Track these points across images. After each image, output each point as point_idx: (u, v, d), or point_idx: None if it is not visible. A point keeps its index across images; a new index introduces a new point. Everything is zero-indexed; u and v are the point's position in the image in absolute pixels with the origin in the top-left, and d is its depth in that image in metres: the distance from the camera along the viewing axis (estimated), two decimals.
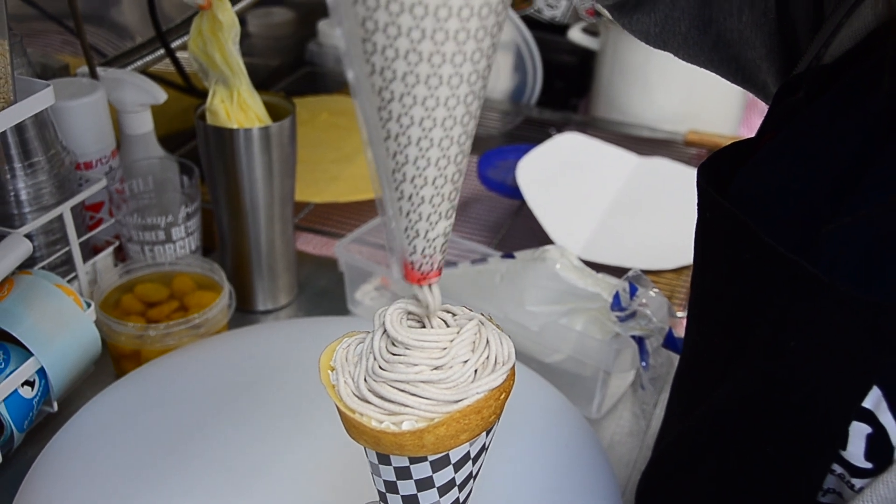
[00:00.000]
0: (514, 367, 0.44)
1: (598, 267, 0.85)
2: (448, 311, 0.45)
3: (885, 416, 0.39)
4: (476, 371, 0.42)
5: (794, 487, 0.44)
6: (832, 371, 0.40)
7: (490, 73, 0.36)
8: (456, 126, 0.36)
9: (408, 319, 0.44)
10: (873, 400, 0.39)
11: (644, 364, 0.76)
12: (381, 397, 0.41)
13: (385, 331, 0.43)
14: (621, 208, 1.10)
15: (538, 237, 1.01)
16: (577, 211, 1.08)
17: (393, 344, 0.43)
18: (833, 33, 0.46)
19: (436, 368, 0.42)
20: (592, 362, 0.77)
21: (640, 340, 0.75)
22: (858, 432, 0.40)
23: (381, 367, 0.42)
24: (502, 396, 0.43)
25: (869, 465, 0.40)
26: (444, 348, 0.42)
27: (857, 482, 0.41)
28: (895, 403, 0.38)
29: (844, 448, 0.40)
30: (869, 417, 0.39)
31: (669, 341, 0.74)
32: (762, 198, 0.46)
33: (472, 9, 0.32)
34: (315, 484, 0.64)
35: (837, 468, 0.41)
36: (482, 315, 0.45)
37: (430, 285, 0.42)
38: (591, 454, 0.70)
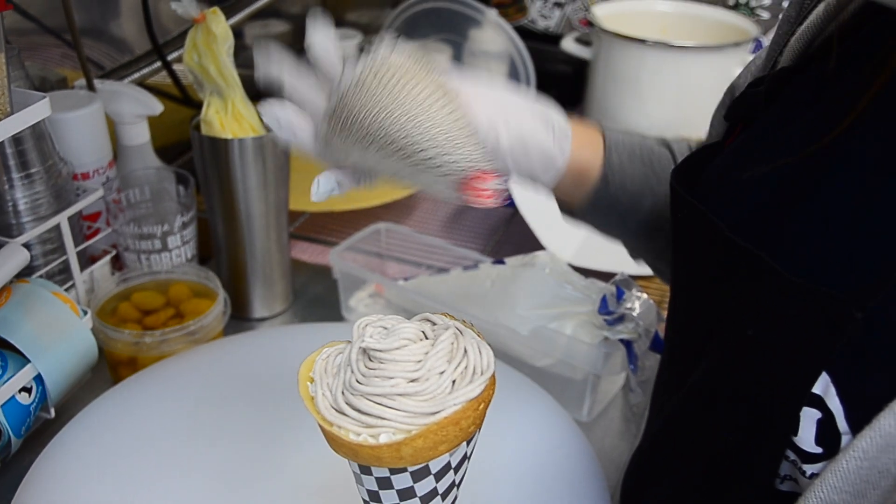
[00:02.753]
0: (493, 376, 0.43)
1: (589, 273, 0.86)
2: (428, 321, 0.45)
3: (832, 402, 0.40)
4: (454, 382, 0.42)
5: (753, 475, 0.45)
6: (786, 357, 0.42)
7: None
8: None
9: (384, 332, 0.44)
10: (822, 385, 0.40)
11: (633, 367, 0.77)
12: (359, 410, 0.42)
13: (361, 344, 0.43)
14: None
15: (530, 244, 1.02)
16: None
17: (369, 358, 0.43)
18: (787, 40, 0.49)
19: (412, 381, 0.42)
20: (582, 366, 0.78)
21: (628, 344, 0.76)
22: (809, 417, 0.41)
23: (357, 381, 0.42)
24: (481, 407, 0.43)
25: (819, 450, 0.41)
26: (419, 360, 0.42)
27: (808, 468, 0.42)
28: (843, 389, 0.40)
29: (796, 433, 0.42)
30: (818, 403, 0.41)
31: (656, 344, 0.75)
32: (725, 193, 0.47)
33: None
34: (309, 490, 0.65)
35: (791, 454, 0.43)
36: (463, 323, 0.45)
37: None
38: (581, 457, 0.70)
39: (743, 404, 0.44)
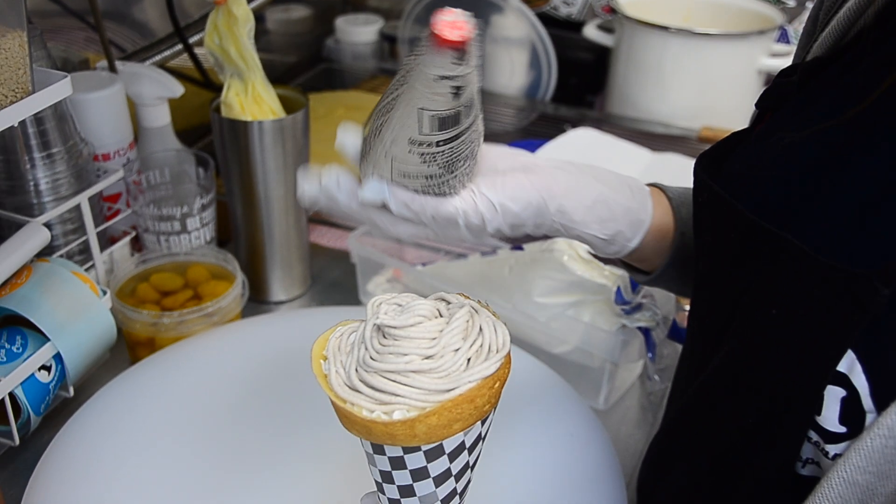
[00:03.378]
0: (509, 354, 0.43)
1: (607, 260, 0.85)
2: (443, 300, 0.45)
3: (858, 379, 0.40)
4: (469, 360, 0.42)
5: (774, 458, 0.44)
6: (810, 335, 0.41)
7: None
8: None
9: (399, 309, 0.44)
10: (847, 363, 0.40)
11: (651, 355, 0.76)
12: (372, 387, 0.41)
13: (376, 321, 0.43)
14: None
15: None
16: None
17: (384, 335, 0.42)
18: (821, 31, 0.49)
19: (427, 358, 0.41)
20: (599, 353, 0.77)
21: (646, 332, 0.75)
22: (833, 396, 0.41)
23: (371, 358, 0.42)
24: (496, 385, 0.42)
25: (843, 430, 0.41)
26: (434, 338, 0.42)
27: (832, 448, 0.41)
28: (869, 366, 0.40)
29: (819, 413, 0.41)
30: (843, 380, 0.40)
31: (675, 332, 0.75)
32: (749, 176, 0.47)
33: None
34: (325, 470, 0.65)
35: (813, 435, 0.42)
36: (478, 302, 0.45)
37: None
38: (598, 445, 0.70)
39: (765, 385, 0.44)
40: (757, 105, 0.52)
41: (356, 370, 0.42)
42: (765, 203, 0.45)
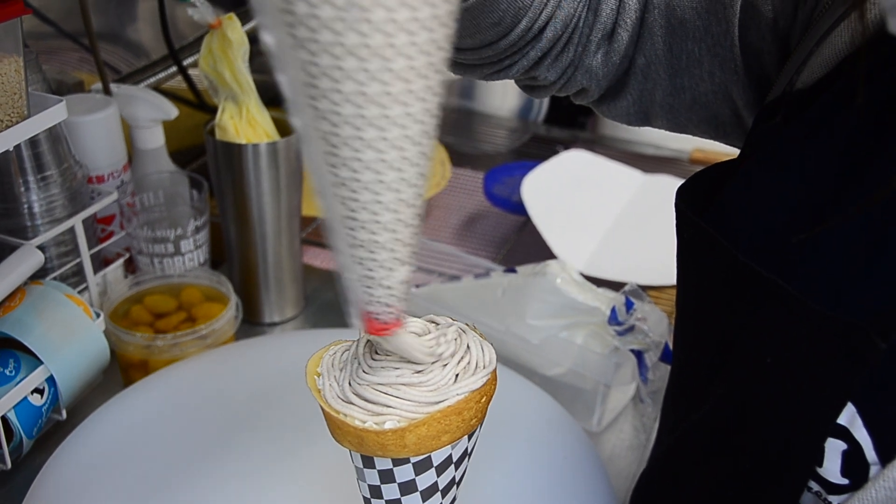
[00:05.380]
0: (495, 371, 0.45)
1: (601, 282, 0.86)
2: (431, 322, 0.46)
3: (859, 433, 0.39)
4: (457, 375, 0.44)
5: None
6: (808, 387, 0.40)
7: (437, 112, 0.34)
8: (409, 168, 0.34)
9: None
10: (848, 417, 0.39)
11: (643, 378, 0.77)
12: (365, 399, 0.43)
13: (369, 337, 0.44)
14: (626, 225, 1.11)
15: (542, 253, 1.02)
16: (581, 227, 1.09)
17: (376, 351, 0.44)
18: (804, 61, 0.47)
19: (417, 372, 0.43)
20: (592, 375, 0.77)
21: (639, 354, 0.76)
22: (834, 449, 0.40)
23: (364, 372, 0.43)
24: (483, 400, 0.44)
25: (845, 482, 0.40)
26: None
27: (834, 499, 0.41)
28: (870, 420, 0.39)
29: (820, 465, 0.40)
30: (844, 434, 0.39)
31: (667, 355, 0.75)
32: (740, 217, 0.46)
33: (419, 45, 0.31)
34: (316, 491, 0.65)
35: (814, 485, 0.41)
36: (466, 324, 0.46)
37: (394, 336, 0.40)
38: (590, 467, 0.70)
39: (762, 434, 0.43)
40: (744, 151, 0.51)
41: (349, 383, 0.44)
42: (756, 246, 0.44)
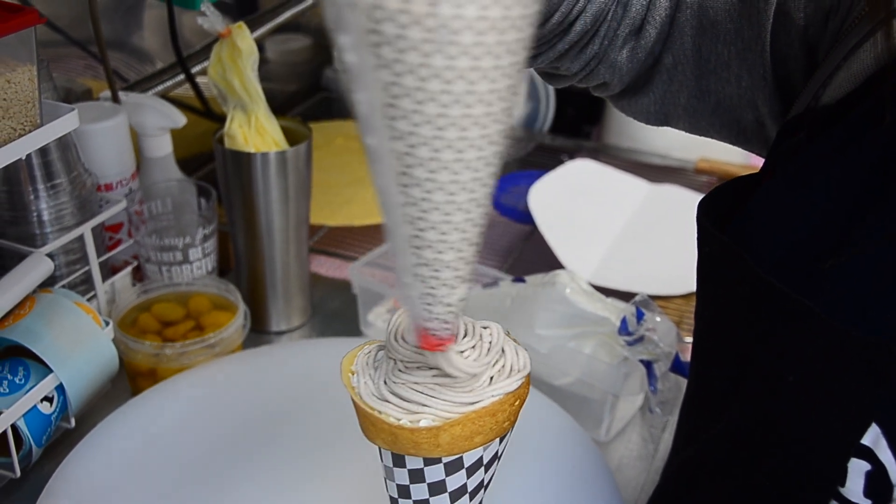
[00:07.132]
0: (528, 376, 0.45)
1: (608, 292, 0.86)
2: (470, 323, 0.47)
3: (884, 454, 0.39)
4: (492, 378, 0.44)
5: None
6: (831, 407, 0.40)
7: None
8: (480, 188, 0.34)
9: None
10: (872, 437, 0.39)
11: (652, 388, 0.77)
12: (401, 397, 0.43)
13: (404, 337, 0.44)
14: (632, 234, 1.11)
15: (549, 262, 1.02)
16: (588, 236, 1.09)
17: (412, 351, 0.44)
18: (831, 76, 0.47)
19: None
20: (601, 385, 0.77)
21: (648, 364, 0.76)
22: (857, 469, 0.39)
23: (400, 371, 0.44)
24: (516, 403, 0.45)
25: (868, 503, 0.40)
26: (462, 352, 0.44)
27: None
28: (894, 441, 0.38)
29: (843, 485, 0.40)
30: (868, 454, 0.39)
31: (677, 366, 0.75)
32: (763, 234, 0.46)
33: (503, 69, 0.31)
34: (332, 499, 0.65)
35: None
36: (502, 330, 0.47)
37: (443, 353, 0.41)
38: (599, 477, 0.70)
39: (783, 452, 0.43)
40: (766, 166, 0.50)
41: (384, 381, 0.44)
42: (777, 262, 0.43)
